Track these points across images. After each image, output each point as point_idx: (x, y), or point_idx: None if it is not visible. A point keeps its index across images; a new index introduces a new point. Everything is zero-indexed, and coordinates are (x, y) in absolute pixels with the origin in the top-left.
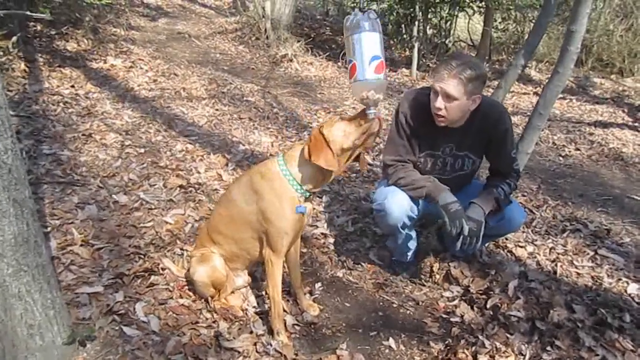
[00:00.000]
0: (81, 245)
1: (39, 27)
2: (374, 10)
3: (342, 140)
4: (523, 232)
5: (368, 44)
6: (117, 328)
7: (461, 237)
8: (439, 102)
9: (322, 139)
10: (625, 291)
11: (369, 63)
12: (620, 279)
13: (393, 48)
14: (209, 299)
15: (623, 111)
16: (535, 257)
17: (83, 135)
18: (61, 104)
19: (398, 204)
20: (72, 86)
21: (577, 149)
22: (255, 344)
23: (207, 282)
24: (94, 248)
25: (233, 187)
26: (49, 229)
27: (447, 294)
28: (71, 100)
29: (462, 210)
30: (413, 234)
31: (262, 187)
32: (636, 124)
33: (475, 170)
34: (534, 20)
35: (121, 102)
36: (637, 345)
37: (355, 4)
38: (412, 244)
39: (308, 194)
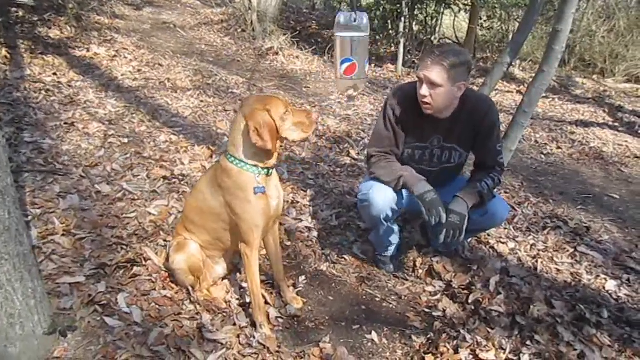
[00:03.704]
0: (63, 234)
1: (20, 13)
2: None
3: (281, 126)
4: (505, 228)
5: (366, 46)
6: (98, 319)
7: (444, 230)
8: (424, 90)
9: (275, 124)
10: (604, 288)
11: (366, 63)
12: (598, 276)
13: (379, 44)
14: (191, 289)
15: (604, 111)
16: (517, 253)
17: (65, 124)
18: (43, 92)
19: (382, 195)
20: (55, 74)
21: (559, 148)
22: (238, 336)
23: (185, 269)
24: (75, 238)
25: (202, 179)
26: (30, 217)
27: (429, 288)
28: (53, 88)
29: (438, 199)
30: (395, 228)
31: (224, 181)
32: (616, 124)
33: (462, 164)
34: (518, 19)
35: (105, 91)
36: (615, 341)
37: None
38: (394, 238)
39: (266, 170)
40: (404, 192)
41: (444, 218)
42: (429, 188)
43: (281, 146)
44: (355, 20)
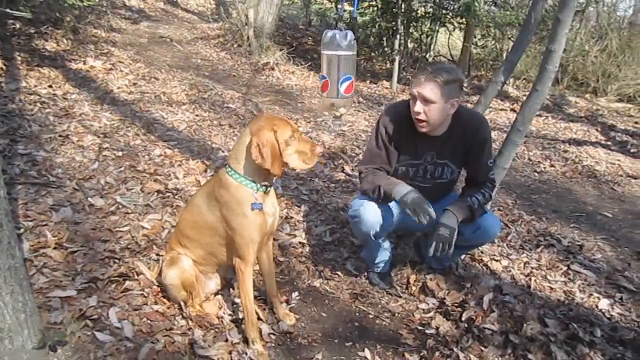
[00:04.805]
0: (55, 248)
1: (18, 25)
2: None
3: (284, 149)
4: (498, 246)
5: (352, 63)
6: (89, 333)
7: (434, 242)
8: (418, 107)
9: (278, 146)
10: (597, 306)
11: (347, 81)
12: (591, 294)
13: (374, 60)
14: (183, 305)
15: (596, 130)
16: (510, 271)
17: (60, 136)
18: (38, 104)
19: (372, 212)
20: (50, 86)
21: (552, 166)
22: (230, 353)
23: (178, 284)
24: (67, 251)
25: (198, 193)
26: (22, 230)
27: (422, 305)
28: (48, 100)
29: (420, 198)
30: (386, 244)
31: (222, 195)
32: (609, 143)
33: (455, 180)
34: (512, 38)
35: (100, 104)
36: None
37: (337, 16)
38: (385, 255)
39: (264, 187)
40: (394, 209)
41: (433, 214)
42: (409, 189)
43: (284, 171)
44: (348, 35)
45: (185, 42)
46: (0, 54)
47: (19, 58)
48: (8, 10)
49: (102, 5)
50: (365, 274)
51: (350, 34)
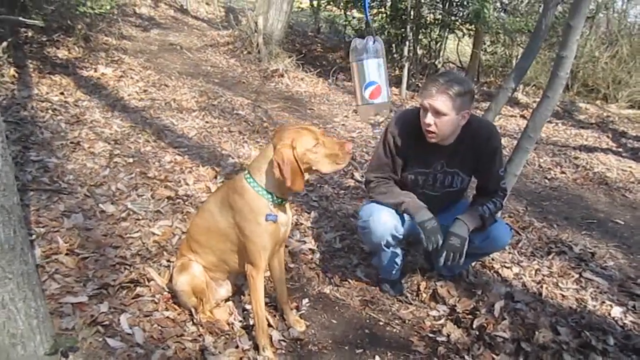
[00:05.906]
0: (66, 254)
1: (30, 33)
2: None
3: (311, 159)
4: (509, 253)
5: (386, 70)
6: (100, 339)
7: (444, 252)
8: (429, 119)
9: (296, 162)
10: (609, 314)
11: (388, 87)
12: (604, 302)
13: None
14: (194, 311)
15: (607, 136)
16: (521, 278)
17: (71, 143)
18: (50, 111)
19: (382, 223)
20: (62, 93)
21: (563, 172)
22: (241, 359)
23: (188, 291)
24: (79, 257)
25: (210, 198)
26: (34, 236)
27: (433, 312)
28: (60, 108)
29: (438, 227)
30: (398, 251)
31: (236, 201)
32: (620, 150)
33: (464, 189)
34: (522, 45)
35: (111, 111)
36: None
37: (347, 22)
38: (397, 262)
39: (280, 200)
40: (405, 217)
41: (440, 242)
42: (430, 216)
43: (307, 180)
44: (374, 42)
45: (195, 50)
46: (13, 62)
47: (31, 66)
48: (21, 18)
49: (113, 13)
50: (376, 280)
51: (380, 40)
